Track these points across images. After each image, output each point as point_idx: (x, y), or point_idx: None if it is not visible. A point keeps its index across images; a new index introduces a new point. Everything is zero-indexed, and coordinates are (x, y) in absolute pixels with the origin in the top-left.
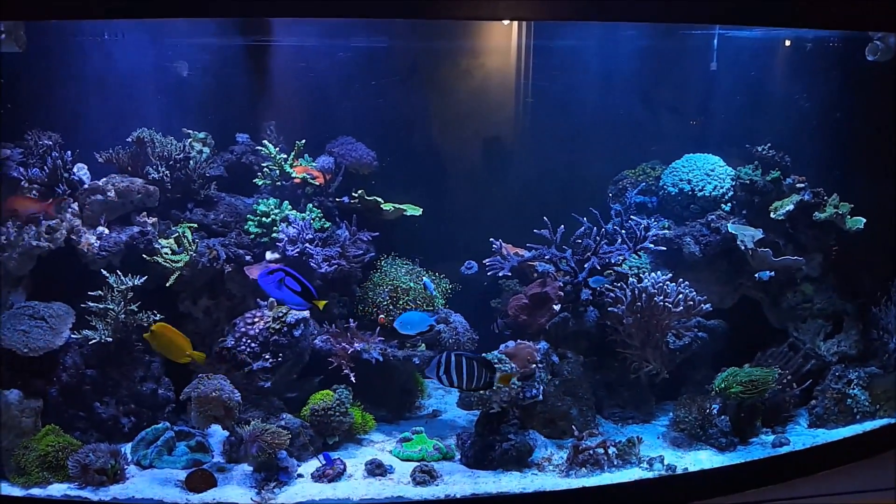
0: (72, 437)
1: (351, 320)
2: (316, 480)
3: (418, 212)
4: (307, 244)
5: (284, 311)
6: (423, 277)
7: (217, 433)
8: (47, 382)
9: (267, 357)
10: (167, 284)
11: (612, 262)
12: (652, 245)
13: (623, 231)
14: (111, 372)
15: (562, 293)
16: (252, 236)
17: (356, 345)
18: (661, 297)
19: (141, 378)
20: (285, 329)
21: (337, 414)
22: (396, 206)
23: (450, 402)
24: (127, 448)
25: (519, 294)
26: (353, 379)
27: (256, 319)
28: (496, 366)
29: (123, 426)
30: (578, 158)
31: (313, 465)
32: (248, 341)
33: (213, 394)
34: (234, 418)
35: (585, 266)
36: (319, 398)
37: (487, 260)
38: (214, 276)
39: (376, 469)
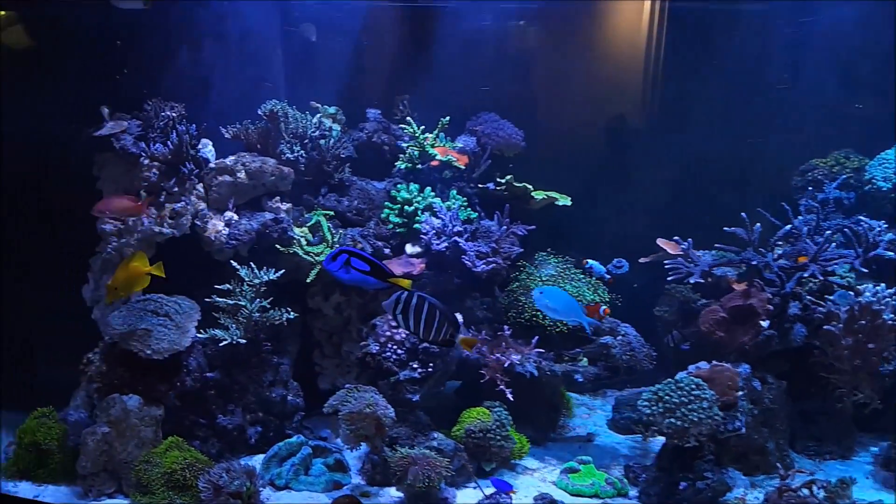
0: (190, 447)
1: (505, 328)
2: None
3: (568, 201)
4: (456, 237)
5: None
6: (588, 261)
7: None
8: (170, 387)
9: (415, 366)
10: (308, 280)
11: (830, 270)
12: (892, 253)
13: (828, 232)
14: (237, 375)
15: (770, 307)
16: (391, 227)
17: (512, 356)
18: (892, 316)
19: (270, 382)
20: None
21: (497, 438)
22: (549, 194)
23: (598, 421)
24: (253, 462)
25: (713, 306)
26: (510, 396)
27: None
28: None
29: (249, 437)
30: (753, 143)
31: (468, 493)
32: (395, 347)
33: (367, 409)
34: (384, 436)
35: (795, 274)
36: (474, 417)
37: (668, 262)
38: None
39: None
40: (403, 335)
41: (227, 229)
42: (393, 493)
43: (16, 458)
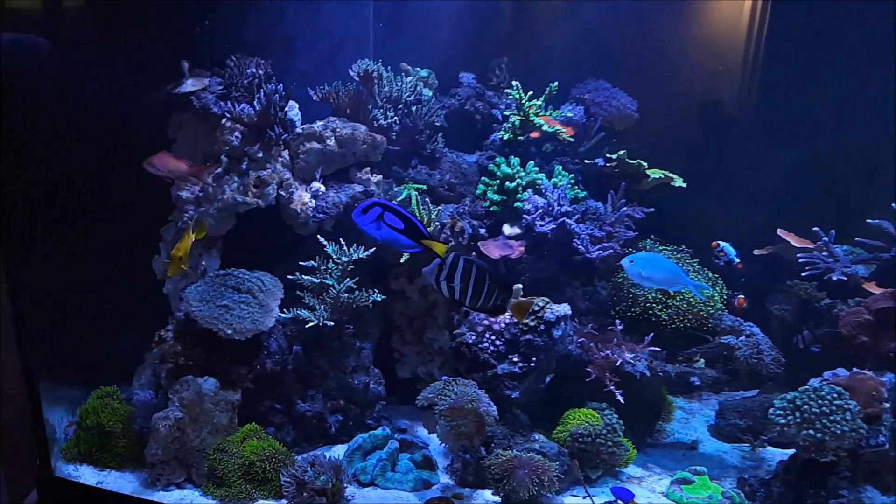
0: (268, 435)
1: (617, 322)
2: None
3: (683, 183)
4: (565, 218)
5: (541, 303)
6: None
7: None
8: (248, 370)
9: (515, 360)
10: (401, 261)
11: None
12: None
13: None
14: (318, 360)
15: None
16: (487, 204)
17: (625, 354)
18: None
19: (352, 368)
20: (542, 327)
21: (608, 444)
22: (665, 173)
23: (697, 427)
24: (332, 452)
25: (856, 308)
26: (620, 399)
27: None
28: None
29: (329, 426)
30: (884, 128)
31: (573, 501)
32: (493, 337)
33: (469, 405)
34: (483, 435)
35: None
36: (581, 419)
37: (802, 255)
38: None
39: None
40: (502, 325)
41: (313, 201)
42: (488, 496)
43: (77, 439)
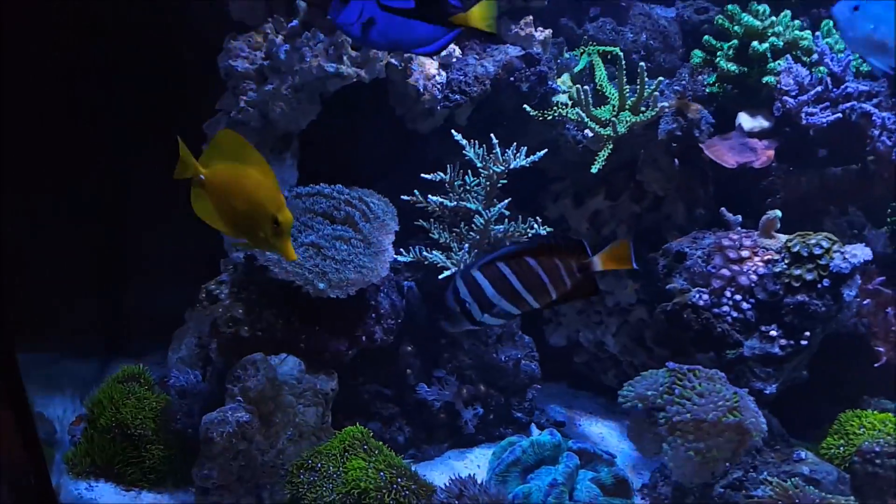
0: (380, 442)
1: None
2: None
3: None
4: (855, 103)
5: (825, 243)
6: None
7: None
8: (350, 344)
9: (773, 334)
10: (593, 169)
11: None
12: None
13: None
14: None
15: None
16: (713, 79)
17: None
18: None
19: (496, 337)
20: (826, 282)
21: None
22: None
23: None
24: (469, 461)
25: None
26: None
27: (746, 254)
28: None
29: (464, 422)
30: None
31: None
32: (737, 297)
33: (730, 417)
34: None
35: None
36: (872, 427)
37: None
38: (628, 161)
39: None
40: (754, 276)
41: (443, 74)
42: None
43: (88, 444)
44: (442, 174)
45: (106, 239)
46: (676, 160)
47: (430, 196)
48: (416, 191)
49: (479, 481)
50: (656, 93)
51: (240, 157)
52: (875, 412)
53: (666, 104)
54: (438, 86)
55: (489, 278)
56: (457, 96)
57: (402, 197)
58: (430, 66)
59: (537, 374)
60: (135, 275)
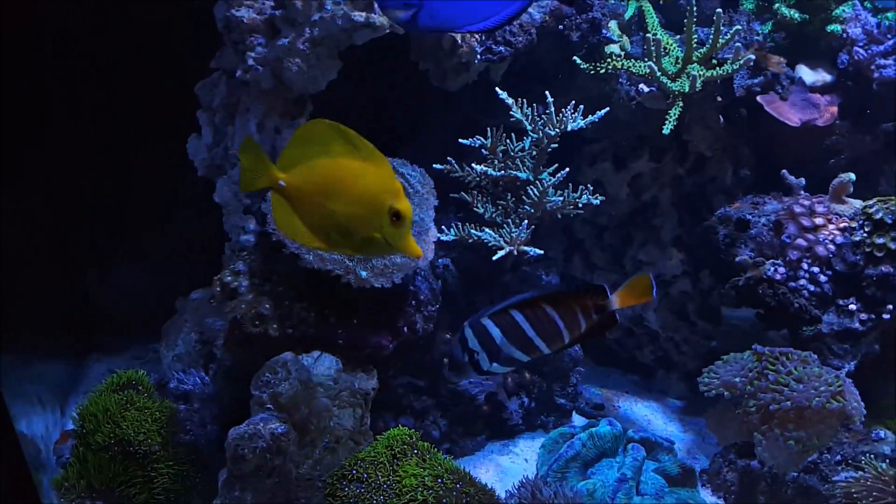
0: (434, 448)
1: None
2: None
3: None
4: None
5: (894, 207)
6: None
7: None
8: (392, 335)
9: (853, 308)
10: (665, 130)
11: None
12: None
13: None
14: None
15: None
16: (769, 28)
17: None
18: None
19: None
20: None
21: None
22: None
23: None
24: (512, 455)
25: None
26: None
27: (821, 221)
28: None
29: (509, 413)
30: None
31: None
32: (815, 268)
33: (833, 403)
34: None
35: None
36: None
37: None
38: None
39: None
40: (832, 247)
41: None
42: None
43: (81, 465)
44: (482, 138)
45: (72, 224)
46: (722, 118)
47: (471, 165)
48: (449, 158)
49: (550, 483)
50: (738, 44)
51: (334, 147)
52: None
53: (752, 56)
54: (477, 36)
55: (501, 327)
56: (500, 48)
57: (434, 166)
58: None
59: (581, 357)
60: (106, 263)
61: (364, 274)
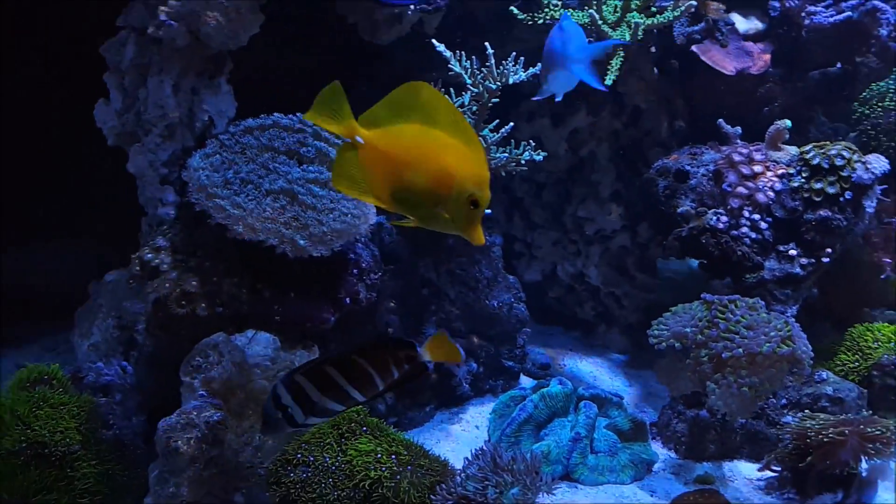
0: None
1: None
2: None
3: None
4: None
5: (846, 154)
6: None
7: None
8: (333, 307)
9: (793, 253)
10: (607, 81)
11: None
12: None
13: None
14: (428, 271)
15: None
16: None
17: None
18: None
19: (487, 280)
20: (849, 195)
21: None
22: None
23: None
24: (464, 421)
25: None
26: None
27: (759, 169)
28: None
29: (459, 382)
30: None
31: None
32: (756, 216)
33: (783, 347)
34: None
35: None
36: (885, 339)
37: None
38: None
39: None
40: (771, 194)
41: None
42: (749, 471)
43: None
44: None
45: None
46: (655, 69)
47: None
48: None
49: (503, 448)
50: None
51: (433, 116)
52: (885, 325)
53: (694, 3)
54: None
55: (314, 381)
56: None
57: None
58: None
59: (526, 317)
60: (6, 245)
61: (302, 242)
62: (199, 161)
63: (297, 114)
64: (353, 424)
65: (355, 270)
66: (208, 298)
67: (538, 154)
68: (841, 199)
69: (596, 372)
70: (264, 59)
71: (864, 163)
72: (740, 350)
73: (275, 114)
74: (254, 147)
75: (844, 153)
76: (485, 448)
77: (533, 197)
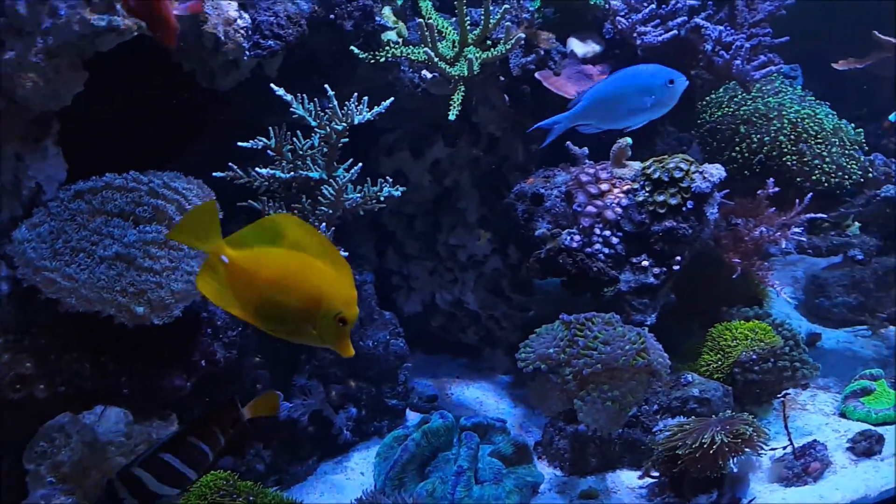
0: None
1: (770, 181)
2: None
3: None
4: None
5: (684, 166)
6: None
7: None
8: (186, 372)
9: (646, 264)
10: (451, 116)
11: None
12: None
13: None
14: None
15: None
16: (538, 4)
17: (760, 230)
18: None
19: (359, 323)
20: (690, 205)
21: (793, 366)
22: None
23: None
24: (349, 471)
25: None
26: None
27: (606, 187)
28: None
29: (339, 430)
30: None
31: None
32: (607, 233)
33: (639, 359)
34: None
35: None
36: (746, 336)
37: None
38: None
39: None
40: (618, 209)
41: (245, 16)
42: (632, 480)
43: None
44: (264, 139)
45: None
46: (507, 97)
47: (256, 169)
48: (231, 164)
49: (388, 493)
50: (508, 23)
51: (298, 241)
52: (742, 322)
53: (523, 35)
54: (242, 31)
55: (153, 472)
56: (269, 42)
57: (214, 174)
58: (229, 7)
59: (406, 352)
60: None
61: (140, 310)
62: (25, 233)
63: (133, 173)
64: (223, 493)
65: (209, 329)
66: (47, 379)
67: (396, 189)
68: (683, 208)
69: (482, 396)
70: (98, 114)
71: (701, 172)
72: (599, 366)
73: (107, 174)
74: (85, 212)
75: (682, 165)
76: (362, 498)
77: (405, 229)
